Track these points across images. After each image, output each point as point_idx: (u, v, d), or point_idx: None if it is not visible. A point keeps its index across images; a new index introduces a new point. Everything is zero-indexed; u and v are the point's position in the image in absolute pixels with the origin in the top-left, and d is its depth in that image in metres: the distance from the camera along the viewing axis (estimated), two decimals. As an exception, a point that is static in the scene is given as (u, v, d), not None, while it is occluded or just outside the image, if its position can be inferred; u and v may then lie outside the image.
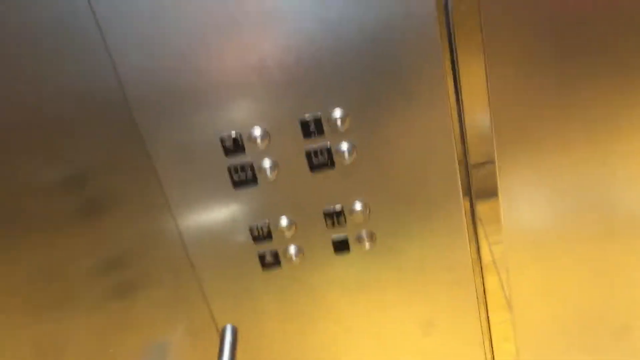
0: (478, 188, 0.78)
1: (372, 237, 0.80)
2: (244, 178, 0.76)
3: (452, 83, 0.72)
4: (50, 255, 0.80)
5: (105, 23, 0.67)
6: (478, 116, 0.74)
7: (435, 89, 0.71)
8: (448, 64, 0.71)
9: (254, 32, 0.68)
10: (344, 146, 0.74)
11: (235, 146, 0.74)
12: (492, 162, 0.76)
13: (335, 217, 0.79)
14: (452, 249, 0.82)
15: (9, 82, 0.70)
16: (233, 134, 0.73)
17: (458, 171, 0.76)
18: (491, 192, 0.79)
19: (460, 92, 0.73)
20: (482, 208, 0.80)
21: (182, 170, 0.76)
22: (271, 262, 0.82)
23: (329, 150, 0.74)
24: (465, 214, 0.79)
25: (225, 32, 0.68)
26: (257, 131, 0.73)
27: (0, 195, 0.76)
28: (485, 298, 0.86)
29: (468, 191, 0.78)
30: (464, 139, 0.75)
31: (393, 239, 0.81)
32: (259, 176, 0.76)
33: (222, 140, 0.73)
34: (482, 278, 0.84)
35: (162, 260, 0.82)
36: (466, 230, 0.80)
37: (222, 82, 0.70)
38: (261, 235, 0.80)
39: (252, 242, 0.81)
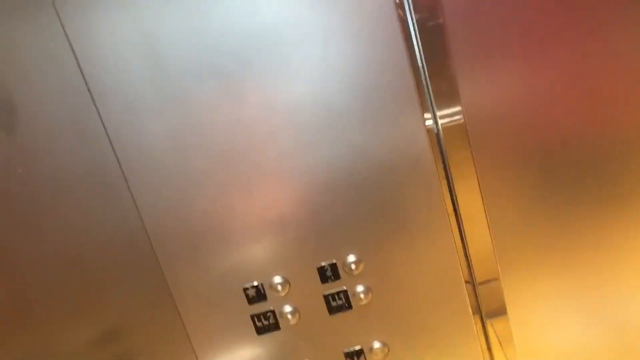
0: (487, 306, 0.81)
1: (392, 374, 0.83)
2: (266, 324, 0.80)
3: (454, 216, 0.78)
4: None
5: (135, 184, 0.74)
6: (479, 238, 0.79)
7: (438, 220, 0.77)
8: (448, 200, 0.77)
9: (273, 189, 0.75)
10: (360, 288, 0.78)
11: (258, 294, 0.78)
12: (497, 279, 0.80)
13: (355, 357, 0.81)
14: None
15: (38, 245, 0.75)
16: (255, 283, 0.78)
17: (465, 290, 0.79)
18: (500, 310, 0.82)
19: (461, 220, 0.78)
20: (493, 327, 0.82)
21: (208, 319, 0.80)
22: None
23: (345, 293, 0.78)
24: (478, 335, 0.82)
25: (246, 190, 0.74)
26: (277, 279, 0.77)
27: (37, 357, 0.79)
28: None
29: (478, 310, 0.81)
30: (469, 262, 0.79)
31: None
32: (280, 321, 0.80)
33: (245, 290, 0.78)
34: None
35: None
36: (481, 351, 0.82)
37: (244, 235, 0.76)
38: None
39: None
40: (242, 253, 0.77)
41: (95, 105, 0.72)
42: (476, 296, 0.81)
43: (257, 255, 0.77)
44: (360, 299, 0.78)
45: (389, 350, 0.81)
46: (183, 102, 0.72)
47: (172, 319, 0.79)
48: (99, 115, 0.72)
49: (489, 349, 0.83)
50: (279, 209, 0.76)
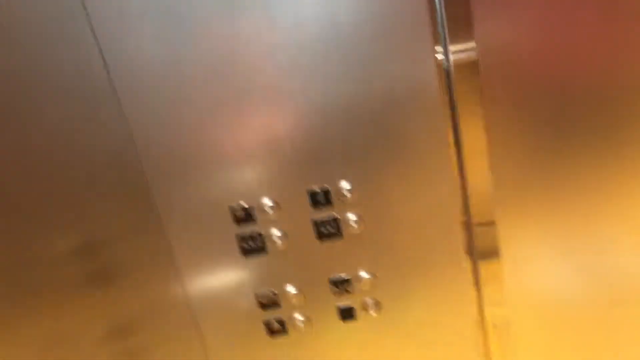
0: (480, 248, 0.80)
1: (377, 304, 0.82)
2: (253, 247, 0.78)
3: (455, 149, 0.75)
4: (59, 323, 0.81)
5: (123, 94, 0.70)
6: (479, 178, 0.77)
7: (438, 155, 0.74)
8: (450, 131, 0.74)
9: (264, 107, 0.71)
10: (351, 216, 0.76)
11: (246, 216, 0.76)
12: (493, 222, 0.78)
13: (341, 286, 0.80)
14: (457, 311, 0.83)
15: (20, 149, 0.72)
16: (243, 203, 0.75)
17: (461, 232, 0.78)
18: (493, 253, 0.81)
19: (462, 157, 0.75)
20: (484, 269, 0.81)
21: (193, 238, 0.78)
22: (277, 329, 0.83)
23: (336, 221, 0.76)
24: (469, 275, 0.81)
25: (240, 108, 0.71)
26: (267, 201, 0.75)
27: (11, 264, 0.77)
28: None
29: (471, 251, 0.80)
30: (466, 202, 0.77)
31: (398, 305, 0.82)
32: (268, 245, 0.78)
33: (232, 210, 0.76)
34: (486, 340, 0.85)
35: (170, 327, 0.83)
36: (470, 292, 0.82)
37: (233, 154, 0.73)
38: (268, 302, 0.81)
39: (259, 309, 0.82)
40: (233, 172, 0.74)
41: (85, 9, 0.67)
42: (470, 236, 0.79)
43: (248, 175, 0.74)
44: (352, 227, 0.76)
45: (376, 281, 0.80)
46: (178, 10, 0.67)
47: (157, 236, 0.77)
48: (89, 19, 0.67)
49: (478, 288, 0.82)
50: (273, 130, 0.72)
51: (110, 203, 0.76)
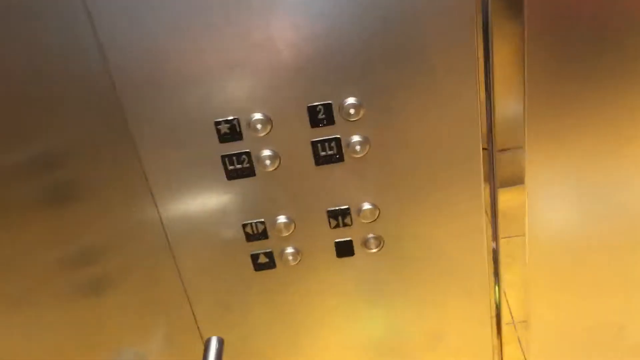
0: (503, 176, 0.69)
1: (379, 240, 0.72)
2: (239, 168, 0.67)
3: (483, 68, 0.63)
4: (14, 244, 0.70)
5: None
6: (509, 100, 0.65)
7: (463, 71, 0.62)
8: (480, 44, 0.62)
9: (260, 6, 0.58)
10: (356, 138, 0.65)
11: (232, 132, 0.64)
12: (521, 148, 0.67)
13: (340, 218, 0.70)
14: (469, 254, 0.73)
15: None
16: (230, 118, 0.64)
17: (481, 159, 0.67)
18: (517, 181, 0.70)
19: (492, 74, 0.63)
20: (504, 198, 0.71)
21: (169, 156, 0.66)
22: (265, 263, 0.73)
23: (338, 142, 0.65)
24: (486, 210, 0.71)
25: (227, 5, 0.58)
26: (257, 116, 0.63)
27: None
28: (499, 309, 0.78)
29: (490, 179, 0.69)
30: (490, 125, 0.66)
31: (402, 243, 0.73)
32: (256, 167, 0.67)
33: (217, 125, 0.64)
34: (498, 273, 0.76)
35: (141, 255, 0.73)
36: (485, 223, 0.71)
37: (220, 60, 0.61)
38: (255, 233, 0.71)
39: (244, 240, 0.72)
40: (218, 82, 0.62)
41: None
42: (492, 164, 0.68)
43: (236, 85, 0.62)
44: (355, 150, 0.65)
45: (379, 213, 0.70)
46: None
47: (128, 154, 0.66)
48: None
49: (495, 217, 0.72)
50: (268, 32, 0.60)
51: (77, 115, 0.64)
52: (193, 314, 0.76)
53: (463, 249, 0.73)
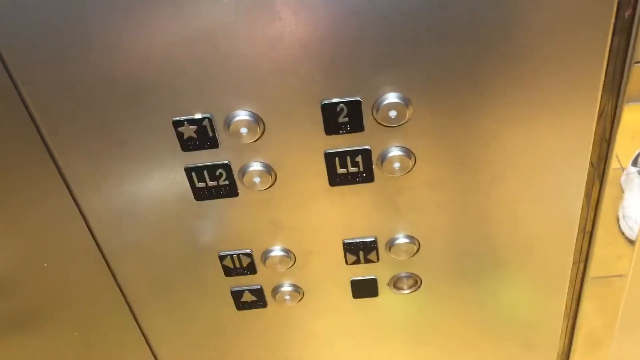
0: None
1: (415, 280, 0.50)
2: (213, 186, 0.44)
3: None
4: None
5: None
6: None
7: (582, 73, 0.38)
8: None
9: None
10: (395, 151, 0.42)
11: (201, 137, 0.41)
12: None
13: (361, 252, 0.48)
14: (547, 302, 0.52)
15: None
16: (197, 117, 0.40)
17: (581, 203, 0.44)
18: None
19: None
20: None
21: (102, 162, 0.43)
22: (251, 302, 0.52)
23: (367, 156, 0.42)
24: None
25: None
26: (241, 117, 0.40)
27: None
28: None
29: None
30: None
31: (446, 285, 0.51)
32: (239, 185, 0.44)
33: (176, 126, 0.40)
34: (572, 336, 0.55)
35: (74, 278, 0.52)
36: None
37: (181, 27, 0.36)
38: (238, 267, 0.49)
39: (222, 274, 0.50)
40: (177, 61, 0.38)
41: None
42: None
43: (208, 67, 0.38)
44: (392, 168, 0.42)
45: (418, 249, 0.48)
46: None
47: (45, 166, 0.43)
48: None
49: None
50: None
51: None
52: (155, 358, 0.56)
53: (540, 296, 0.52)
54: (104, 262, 0.50)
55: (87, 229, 0.47)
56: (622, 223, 0.49)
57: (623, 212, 0.49)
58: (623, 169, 0.46)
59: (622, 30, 0.37)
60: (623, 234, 0.49)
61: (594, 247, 0.50)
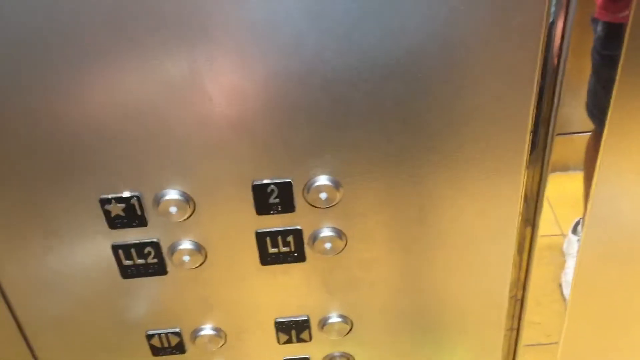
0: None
1: None
2: (141, 264, 0.42)
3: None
4: None
5: None
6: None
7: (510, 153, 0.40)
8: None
9: (186, 22, 0.34)
10: (327, 232, 0.42)
11: (129, 215, 0.40)
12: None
13: (293, 331, 0.47)
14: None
15: None
16: (125, 195, 0.39)
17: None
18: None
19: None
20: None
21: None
22: (178, 381, 0.50)
23: (299, 236, 0.42)
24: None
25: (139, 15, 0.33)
26: (170, 196, 0.39)
27: None
28: None
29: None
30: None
31: (381, 361, 0.50)
32: (169, 263, 0.43)
33: (103, 204, 0.39)
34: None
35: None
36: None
37: (111, 100, 0.36)
38: (166, 347, 0.47)
39: (150, 354, 0.48)
40: (107, 138, 0.37)
41: None
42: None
43: (138, 145, 0.38)
44: (324, 249, 0.42)
45: (351, 329, 0.47)
46: None
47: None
48: None
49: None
50: (194, 62, 0.35)
51: None
52: None
53: None
54: (21, 336, 0.47)
55: (3, 301, 0.45)
56: (564, 289, 0.50)
57: (565, 278, 0.50)
58: (564, 236, 0.47)
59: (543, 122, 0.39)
60: (565, 300, 0.50)
61: (524, 315, 0.51)
